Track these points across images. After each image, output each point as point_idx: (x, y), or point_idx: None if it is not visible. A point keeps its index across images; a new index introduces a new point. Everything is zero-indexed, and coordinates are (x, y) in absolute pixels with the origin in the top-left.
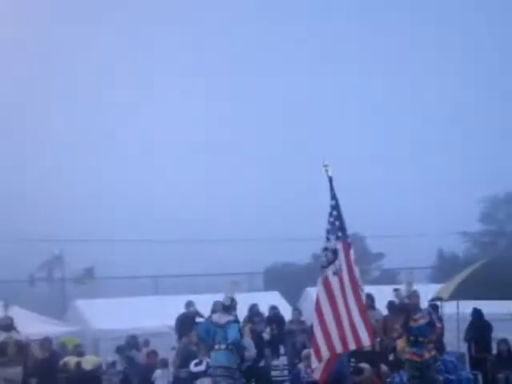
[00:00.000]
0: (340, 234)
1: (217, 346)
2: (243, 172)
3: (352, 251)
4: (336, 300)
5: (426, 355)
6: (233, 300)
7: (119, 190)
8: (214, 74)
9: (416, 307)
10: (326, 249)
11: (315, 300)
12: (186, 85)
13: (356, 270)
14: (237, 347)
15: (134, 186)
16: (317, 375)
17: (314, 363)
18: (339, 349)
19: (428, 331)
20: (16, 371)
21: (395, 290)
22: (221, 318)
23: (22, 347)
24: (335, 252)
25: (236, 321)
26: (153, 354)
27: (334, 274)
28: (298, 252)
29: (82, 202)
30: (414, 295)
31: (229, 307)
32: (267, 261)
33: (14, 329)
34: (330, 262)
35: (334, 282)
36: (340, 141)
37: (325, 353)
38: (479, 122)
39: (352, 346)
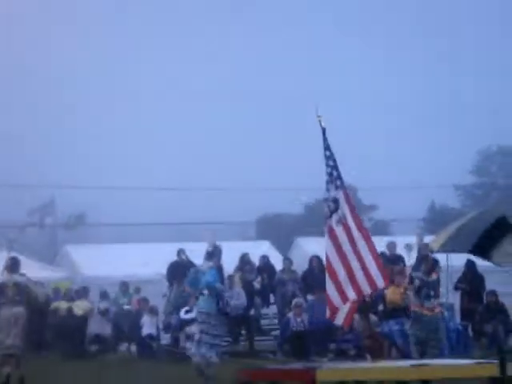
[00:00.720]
0: (339, 183)
1: (203, 292)
2: (238, 121)
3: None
4: (343, 248)
5: (437, 309)
6: (215, 247)
7: (115, 137)
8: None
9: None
10: (326, 199)
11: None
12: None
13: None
14: (212, 292)
15: (130, 134)
16: (339, 321)
17: (330, 314)
18: (352, 295)
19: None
20: (19, 310)
21: (407, 245)
22: (204, 265)
23: (22, 289)
24: (336, 201)
25: (216, 267)
26: (143, 301)
27: (338, 222)
28: (290, 202)
29: (75, 148)
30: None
31: (211, 254)
32: (259, 211)
33: (19, 271)
34: (332, 212)
35: (339, 230)
36: (336, 92)
37: (338, 302)
38: (473, 75)
39: (367, 291)
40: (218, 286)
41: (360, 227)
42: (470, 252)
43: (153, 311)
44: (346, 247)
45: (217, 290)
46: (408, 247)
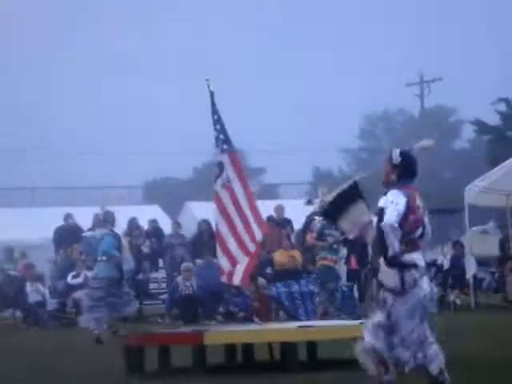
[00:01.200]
0: (225, 146)
1: (99, 258)
2: (128, 85)
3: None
4: (228, 211)
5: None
6: (108, 213)
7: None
8: None
9: None
10: (214, 164)
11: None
12: None
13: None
14: (109, 258)
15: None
16: (236, 282)
17: (226, 278)
18: (241, 256)
19: None
20: None
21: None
22: (97, 231)
23: None
24: (220, 165)
25: (110, 234)
26: (29, 266)
27: (222, 186)
28: (179, 166)
29: None
30: None
31: (104, 220)
32: (147, 175)
33: None
34: (217, 177)
35: (223, 194)
36: (229, 54)
37: (228, 265)
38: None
39: (252, 249)
40: (114, 252)
41: (246, 189)
42: (321, 215)
43: (38, 277)
44: (231, 209)
45: (114, 256)
46: (309, 202)
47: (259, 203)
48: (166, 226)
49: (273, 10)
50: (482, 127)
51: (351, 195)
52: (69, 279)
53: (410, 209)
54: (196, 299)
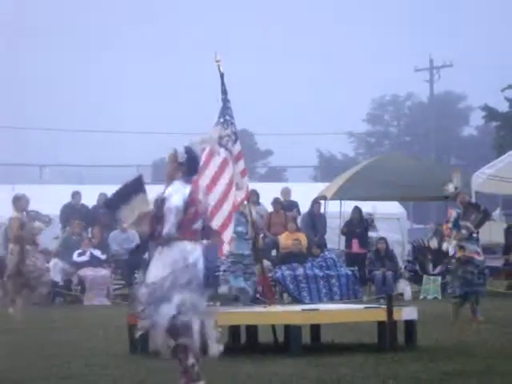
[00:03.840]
0: (229, 127)
1: None
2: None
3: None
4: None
5: None
6: None
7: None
8: None
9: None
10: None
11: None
12: None
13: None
14: None
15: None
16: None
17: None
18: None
19: None
20: None
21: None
22: None
23: None
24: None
25: None
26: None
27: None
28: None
29: None
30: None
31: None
32: (155, 155)
33: None
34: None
35: (217, 159)
36: (238, 38)
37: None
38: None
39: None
40: None
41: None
42: (103, 205)
43: (44, 254)
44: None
45: None
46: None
47: (266, 185)
48: None
49: None
50: (490, 113)
51: (134, 187)
52: (74, 257)
53: (191, 200)
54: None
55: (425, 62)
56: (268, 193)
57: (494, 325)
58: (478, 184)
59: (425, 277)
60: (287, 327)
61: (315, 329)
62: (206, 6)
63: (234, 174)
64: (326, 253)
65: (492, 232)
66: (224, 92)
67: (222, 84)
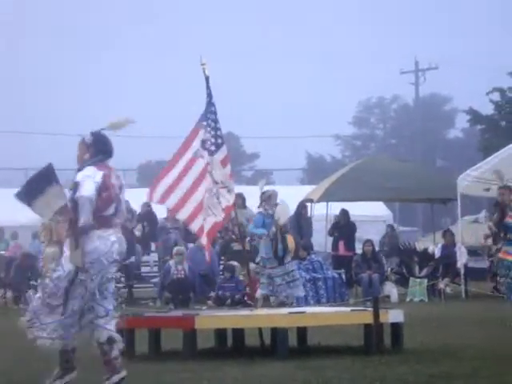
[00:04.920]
0: (213, 131)
1: None
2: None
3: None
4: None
5: None
6: None
7: None
8: None
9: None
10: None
11: None
12: None
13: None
14: None
15: None
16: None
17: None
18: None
19: None
20: None
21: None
22: None
23: None
24: (204, 142)
25: None
26: (19, 247)
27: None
28: (173, 150)
29: None
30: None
31: None
32: (141, 158)
33: None
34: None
35: (199, 163)
36: (225, 41)
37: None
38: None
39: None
40: None
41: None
42: (15, 197)
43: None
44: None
45: None
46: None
47: (252, 189)
48: (160, 209)
49: None
50: (475, 116)
51: (47, 177)
52: None
53: (104, 185)
54: (188, 283)
55: (410, 65)
56: (254, 196)
57: (479, 327)
58: (463, 186)
59: (411, 279)
60: (274, 330)
61: (302, 332)
62: (206, 6)
63: (212, 181)
64: (313, 256)
65: (478, 234)
66: (209, 95)
67: (207, 87)
